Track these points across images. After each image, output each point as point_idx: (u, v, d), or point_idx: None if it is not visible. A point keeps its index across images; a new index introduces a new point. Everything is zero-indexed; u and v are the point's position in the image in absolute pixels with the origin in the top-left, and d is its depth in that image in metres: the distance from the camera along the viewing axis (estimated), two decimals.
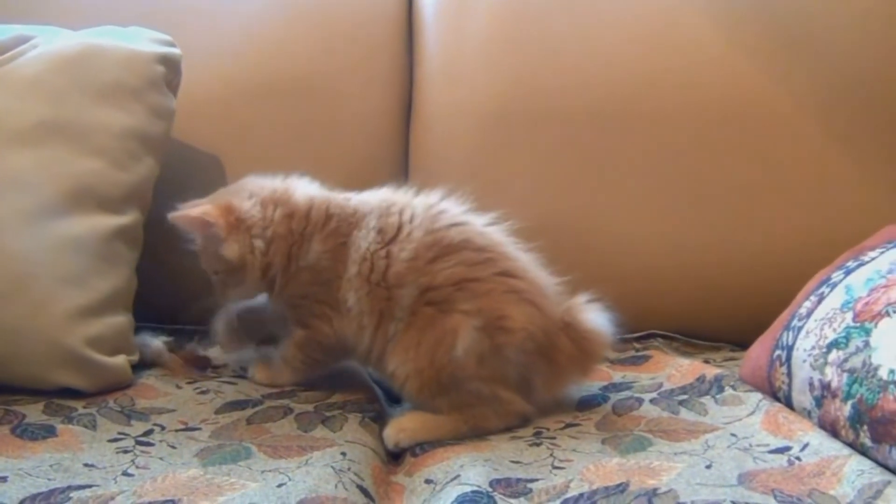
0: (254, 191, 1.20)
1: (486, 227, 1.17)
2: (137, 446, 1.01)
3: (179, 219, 1.16)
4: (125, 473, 0.93)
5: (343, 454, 0.96)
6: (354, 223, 1.16)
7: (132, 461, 0.96)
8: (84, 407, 1.11)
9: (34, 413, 1.09)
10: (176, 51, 1.38)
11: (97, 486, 0.89)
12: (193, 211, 1.16)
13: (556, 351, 1.11)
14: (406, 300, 1.10)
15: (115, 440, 1.02)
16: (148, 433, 1.05)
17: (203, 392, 1.20)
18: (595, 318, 1.14)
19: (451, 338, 1.07)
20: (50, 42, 1.32)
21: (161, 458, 0.97)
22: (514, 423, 1.09)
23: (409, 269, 1.10)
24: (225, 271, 1.19)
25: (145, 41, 1.36)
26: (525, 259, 1.16)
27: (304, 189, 1.22)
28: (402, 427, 1.08)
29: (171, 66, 1.36)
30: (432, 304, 1.09)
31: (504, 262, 1.13)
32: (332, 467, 0.92)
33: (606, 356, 1.23)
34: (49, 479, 0.90)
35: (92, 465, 0.94)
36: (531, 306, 1.10)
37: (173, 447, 1.00)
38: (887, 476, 0.86)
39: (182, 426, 1.07)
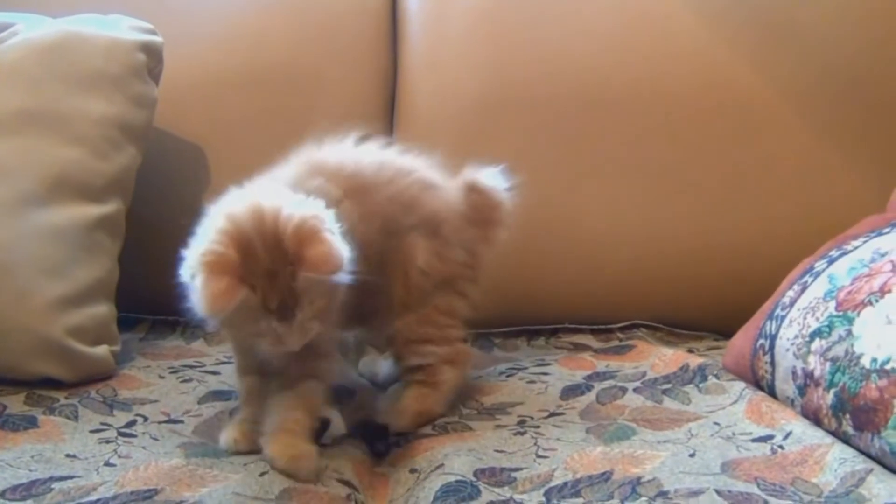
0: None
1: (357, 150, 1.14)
2: (120, 437, 1.00)
3: (318, 267, 0.90)
4: (107, 464, 0.92)
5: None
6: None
7: (114, 451, 0.96)
8: (66, 397, 1.11)
9: (15, 404, 1.08)
10: (157, 39, 1.37)
11: (79, 476, 0.89)
12: (332, 254, 0.91)
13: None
14: (374, 250, 1.04)
15: (98, 431, 1.02)
16: (130, 424, 1.04)
17: (186, 381, 1.20)
18: (489, 175, 1.19)
19: (411, 252, 1.10)
20: (30, 30, 1.31)
21: (143, 448, 0.97)
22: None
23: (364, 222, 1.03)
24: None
25: (126, 29, 1.35)
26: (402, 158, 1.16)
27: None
28: (401, 409, 1.09)
29: (152, 55, 1.35)
30: (394, 235, 1.09)
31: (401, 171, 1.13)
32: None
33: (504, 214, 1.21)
34: (31, 471, 0.90)
35: (74, 456, 0.94)
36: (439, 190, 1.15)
37: (156, 438, 1.00)
38: (869, 464, 0.86)
39: (165, 417, 1.07)
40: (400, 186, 1.11)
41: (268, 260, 0.89)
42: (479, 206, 1.18)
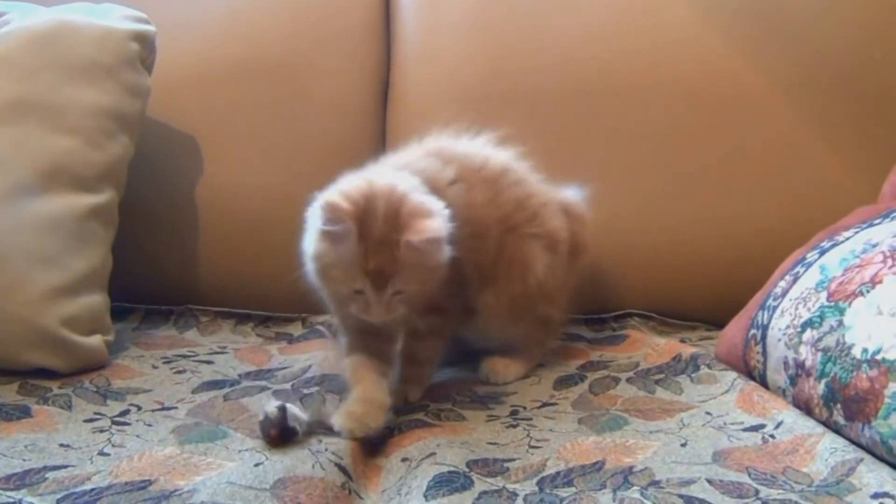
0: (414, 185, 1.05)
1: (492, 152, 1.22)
2: (114, 426, 1.00)
3: (419, 242, 0.97)
4: (101, 453, 0.92)
5: (319, 439, 0.96)
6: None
7: (108, 440, 0.96)
8: (59, 387, 1.11)
9: (9, 394, 1.08)
10: (150, 28, 1.37)
11: (73, 466, 0.89)
12: (431, 229, 0.98)
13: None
14: (494, 236, 1.15)
15: (91, 420, 1.02)
16: (124, 413, 1.04)
17: (180, 372, 1.20)
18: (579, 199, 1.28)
19: (531, 260, 1.16)
20: (22, 19, 1.30)
21: (137, 436, 0.97)
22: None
23: (487, 209, 1.14)
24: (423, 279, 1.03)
25: (119, 18, 1.34)
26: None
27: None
28: (497, 366, 1.19)
29: (145, 44, 1.35)
30: (510, 231, 1.16)
31: (524, 179, 1.22)
32: (309, 449, 0.92)
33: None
34: (24, 460, 0.90)
35: (67, 446, 0.94)
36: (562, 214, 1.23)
37: (149, 426, 1.00)
38: (860, 454, 0.87)
39: (158, 406, 1.07)
40: (523, 193, 1.19)
41: (381, 226, 0.97)
42: (575, 234, 1.25)
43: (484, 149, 1.22)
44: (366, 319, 1.02)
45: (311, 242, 1.01)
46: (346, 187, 1.01)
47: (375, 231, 0.97)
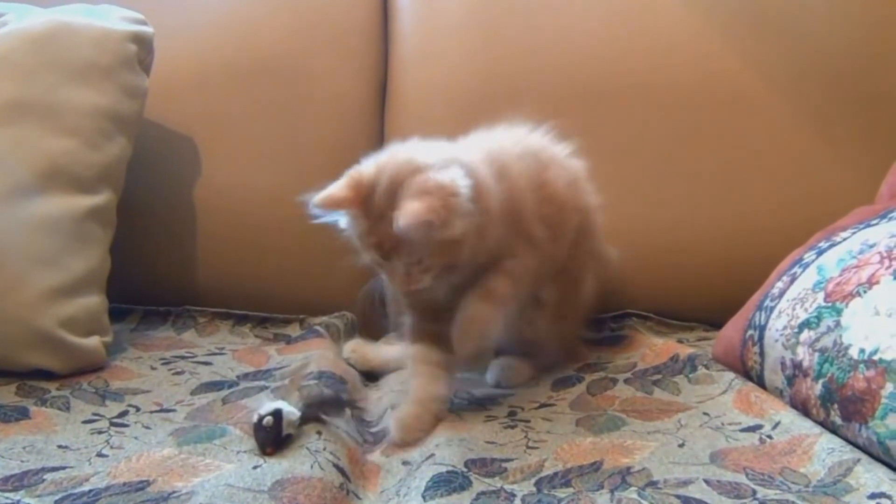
0: (445, 159, 1.03)
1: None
2: (112, 427, 1.00)
3: (407, 225, 0.95)
4: (99, 454, 0.92)
5: (318, 433, 0.96)
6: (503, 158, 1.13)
7: (106, 441, 0.96)
8: (57, 388, 1.11)
9: (6, 395, 1.08)
10: (148, 29, 1.37)
11: (71, 467, 0.89)
12: (417, 211, 0.95)
13: None
14: (571, 224, 1.18)
15: (90, 421, 1.02)
16: (122, 414, 1.04)
17: (178, 373, 1.20)
18: None
19: (585, 276, 1.24)
20: (20, 20, 1.30)
21: (136, 438, 0.97)
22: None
23: (569, 194, 1.17)
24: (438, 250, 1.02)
25: (117, 19, 1.35)
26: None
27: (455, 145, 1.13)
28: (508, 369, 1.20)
29: (143, 45, 1.35)
30: (582, 232, 1.21)
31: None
32: (308, 448, 0.92)
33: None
34: (22, 461, 0.90)
35: (66, 447, 0.94)
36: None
37: (148, 427, 1.00)
38: (857, 454, 0.87)
39: (157, 407, 1.07)
40: (594, 210, 1.25)
41: (379, 202, 0.99)
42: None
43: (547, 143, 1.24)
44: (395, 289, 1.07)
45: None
46: (366, 164, 1.04)
47: (375, 207, 1.00)
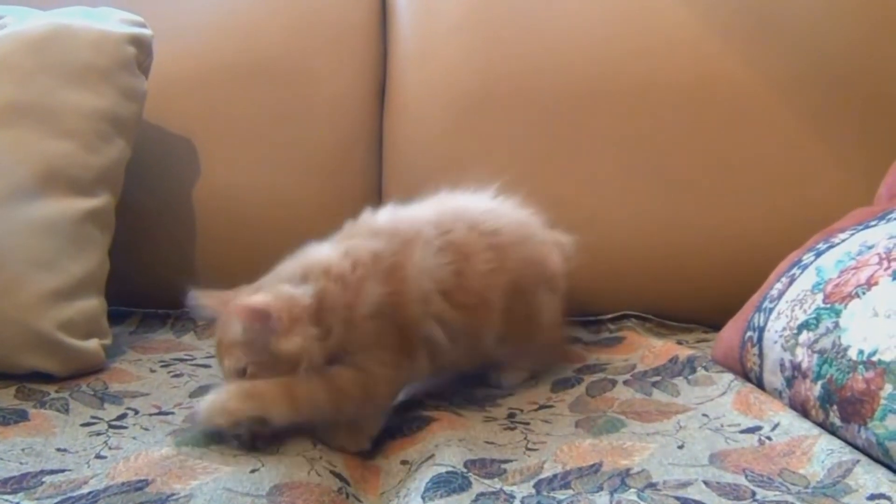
0: (307, 272, 1.02)
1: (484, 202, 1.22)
2: (110, 429, 1.00)
3: (239, 310, 0.97)
4: (98, 456, 0.92)
5: (314, 444, 0.96)
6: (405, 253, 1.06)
7: (105, 443, 0.96)
8: (56, 391, 1.11)
9: (6, 397, 1.08)
10: (147, 32, 1.37)
11: (70, 470, 0.89)
12: (256, 301, 0.97)
13: None
14: (501, 301, 1.12)
15: (88, 424, 1.02)
16: (121, 417, 1.04)
17: (177, 376, 1.20)
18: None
19: (538, 314, 1.19)
20: (19, 22, 1.30)
21: (134, 438, 0.97)
22: None
23: (490, 276, 1.11)
24: (268, 365, 0.99)
25: (116, 22, 1.34)
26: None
27: (325, 248, 1.07)
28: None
29: (142, 48, 1.35)
30: (519, 292, 1.14)
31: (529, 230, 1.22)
32: (304, 456, 0.92)
33: None
34: (21, 464, 0.90)
35: (65, 450, 0.94)
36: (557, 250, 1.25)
37: (146, 429, 1.00)
38: (856, 455, 0.87)
39: (156, 410, 1.07)
40: (529, 248, 1.19)
41: None
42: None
43: (490, 210, 1.18)
44: None
45: None
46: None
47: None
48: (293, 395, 0.96)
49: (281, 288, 1.00)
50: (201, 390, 1.14)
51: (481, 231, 1.12)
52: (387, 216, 1.13)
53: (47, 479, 0.87)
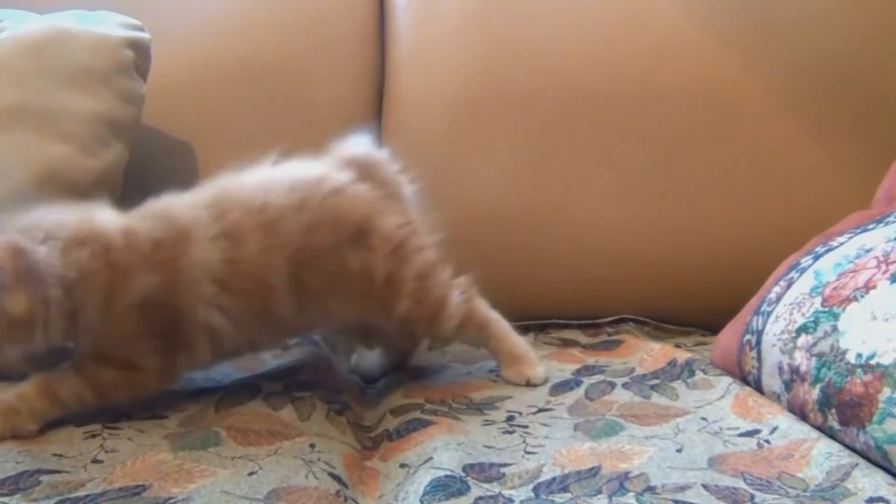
0: (50, 232, 0.97)
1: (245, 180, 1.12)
2: (105, 430, 1.00)
3: None
4: (94, 460, 0.92)
5: (312, 446, 0.96)
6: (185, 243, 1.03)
7: (101, 446, 0.95)
8: None
9: None
10: (145, 35, 1.37)
11: (67, 472, 0.88)
12: None
13: None
14: (281, 279, 1.06)
15: (82, 424, 1.01)
16: (116, 419, 1.04)
17: None
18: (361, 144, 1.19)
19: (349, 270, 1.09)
20: (16, 26, 1.30)
21: (130, 440, 0.97)
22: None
23: (264, 256, 1.05)
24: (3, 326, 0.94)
25: (114, 25, 1.34)
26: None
27: (110, 218, 1.04)
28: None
29: (140, 51, 1.35)
30: (312, 258, 1.07)
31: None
32: (302, 459, 0.92)
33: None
34: (17, 463, 0.89)
35: (61, 455, 0.93)
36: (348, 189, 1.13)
37: (141, 431, 1.00)
38: (854, 458, 0.87)
39: (150, 415, 1.06)
40: (319, 209, 1.09)
41: None
42: (385, 179, 1.16)
43: (262, 184, 1.11)
44: None
45: None
46: None
47: None
48: (55, 396, 0.96)
49: (12, 237, 0.94)
50: (196, 393, 1.13)
51: (250, 210, 1.06)
52: (167, 201, 1.08)
53: (45, 478, 0.86)
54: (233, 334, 1.05)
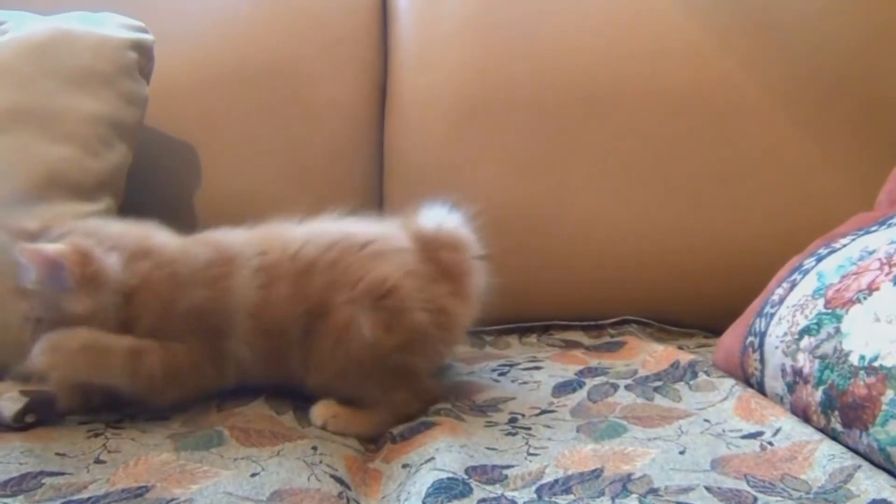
0: (116, 242, 1.03)
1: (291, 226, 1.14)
2: (108, 429, 1.00)
3: (29, 253, 0.97)
4: (97, 461, 0.92)
5: (314, 448, 0.96)
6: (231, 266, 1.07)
7: (104, 446, 0.95)
8: None
9: None
10: (148, 37, 1.37)
11: (70, 473, 0.89)
12: (48, 249, 0.97)
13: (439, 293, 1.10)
14: (296, 330, 1.07)
15: (86, 423, 1.01)
16: (118, 420, 1.04)
17: None
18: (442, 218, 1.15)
19: (354, 328, 1.04)
20: (20, 28, 1.30)
21: (133, 440, 0.97)
22: (430, 400, 1.11)
23: (289, 304, 1.06)
24: (57, 321, 0.99)
25: (117, 27, 1.35)
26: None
27: (167, 236, 1.09)
28: (335, 411, 1.06)
29: (143, 53, 1.35)
30: (321, 315, 1.06)
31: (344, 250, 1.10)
32: (304, 461, 0.92)
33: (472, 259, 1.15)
34: (21, 464, 0.90)
35: (63, 454, 0.93)
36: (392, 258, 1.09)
37: (144, 431, 1.00)
38: (857, 460, 0.87)
39: (152, 415, 1.06)
40: (353, 266, 1.07)
41: None
42: (445, 261, 1.12)
43: (307, 233, 1.11)
44: None
45: None
46: None
47: None
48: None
49: (83, 241, 0.99)
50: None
51: (285, 255, 1.08)
52: (218, 232, 1.12)
53: (47, 480, 0.87)
54: (251, 367, 1.07)
